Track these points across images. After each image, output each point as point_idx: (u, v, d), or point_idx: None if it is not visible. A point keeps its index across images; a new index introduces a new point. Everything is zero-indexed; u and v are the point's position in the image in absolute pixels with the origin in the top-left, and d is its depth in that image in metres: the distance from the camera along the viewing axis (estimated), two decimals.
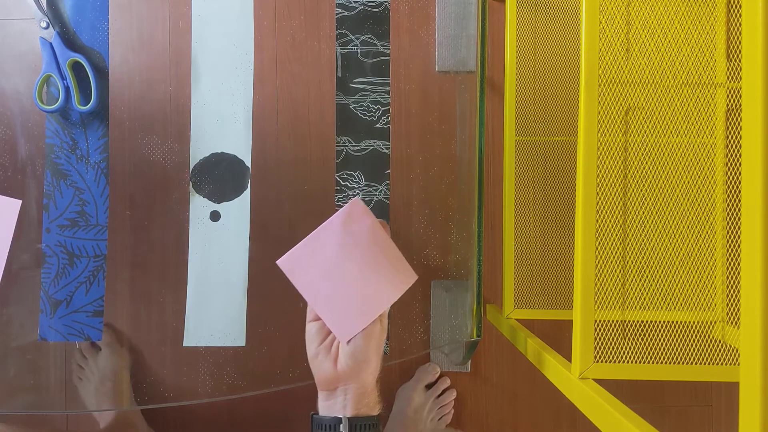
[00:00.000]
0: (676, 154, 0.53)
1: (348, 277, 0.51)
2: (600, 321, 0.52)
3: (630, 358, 0.52)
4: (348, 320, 0.51)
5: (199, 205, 0.67)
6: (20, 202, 0.64)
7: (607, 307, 0.52)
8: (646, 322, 0.53)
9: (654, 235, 0.53)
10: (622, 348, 0.52)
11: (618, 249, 0.52)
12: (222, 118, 0.67)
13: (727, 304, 0.54)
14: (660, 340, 0.52)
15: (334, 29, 0.71)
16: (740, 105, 0.34)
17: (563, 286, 0.78)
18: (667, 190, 0.53)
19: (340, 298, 0.51)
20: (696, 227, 0.53)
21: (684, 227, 0.53)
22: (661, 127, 0.53)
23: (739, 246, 0.50)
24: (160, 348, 0.83)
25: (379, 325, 0.52)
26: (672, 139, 0.53)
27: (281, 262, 0.51)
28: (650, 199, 0.53)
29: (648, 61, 0.52)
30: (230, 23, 0.67)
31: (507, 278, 0.77)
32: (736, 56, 0.53)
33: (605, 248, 0.52)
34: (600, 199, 0.51)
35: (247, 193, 0.67)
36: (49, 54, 0.66)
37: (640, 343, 0.52)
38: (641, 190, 0.53)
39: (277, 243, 0.71)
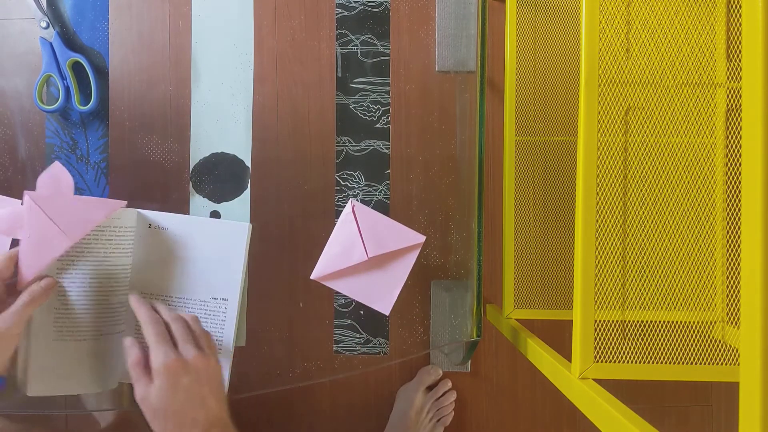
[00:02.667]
0: (676, 154, 0.53)
1: (370, 262, 0.60)
2: (600, 321, 0.52)
3: (630, 358, 0.52)
4: (382, 295, 0.61)
5: (199, 205, 0.67)
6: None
7: (607, 307, 0.52)
8: (646, 322, 0.53)
9: (654, 235, 0.53)
10: (622, 348, 0.52)
11: (618, 249, 0.52)
12: (222, 118, 0.67)
13: (727, 304, 0.54)
14: (660, 340, 0.52)
15: (334, 29, 0.71)
16: (740, 105, 0.34)
17: (563, 286, 0.78)
18: (667, 190, 0.53)
19: (369, 281, 0.61)
20: (696, 227, 0.53)
21: (684, 227, 0.53)
22: (661, 127, 0.53)
23: (739, 246, 0.50)
24: None
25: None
26: (672, 139, 0.53)
27: (314, 277, 0.60)
28: (650, 199, 0.53)
29: (648, 61, 0.52)
30: (230, 23, 0.67)
31: (507, 278, 0.77)
32: (736, 56, 0.53)
33: (605, 248, 0.52)
34: (600, 199, 0.51)
35: (247, 192, 0.67)
36: (49, 54, 0.66)
37: (640, 343, 0.52)
38: (641, 190, 0.53)
39: (277, 243, 0.71)
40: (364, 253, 0.60)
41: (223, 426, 0.50)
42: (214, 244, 0.59)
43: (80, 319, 0.56)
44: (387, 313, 0.59)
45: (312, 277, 0.60)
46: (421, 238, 0.60)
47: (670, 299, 0.53)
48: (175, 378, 0.48)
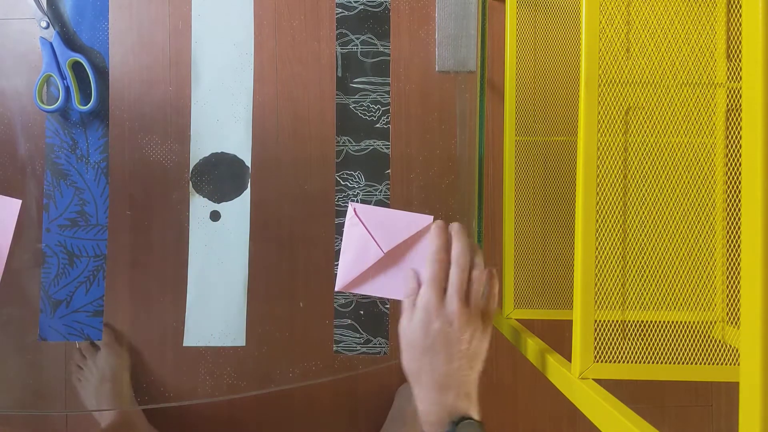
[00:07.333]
0: (676, 154, 0.53)
1: (387, 257, 0.60)
2: (600, 321, 0.52)
3: (630, 358, 0.52)
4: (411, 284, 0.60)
5: (199, 205, 0.67)
6: (20, 202, 0.64)
7: (607, 307, 0.52)
8: (646, 322, 0.53)
9: (654, 235, 0.53)
10: (622, 348, 0.52)
11: (618, 249, 0.52)
12: (222, 118, 0.67)
13: (727, 304, 0.54)
14: (660, 340, 0.52)
15: (334, 29, 0.71)
16: (740, 105, 0.34)
17: (563, 286, 0.78)
18: (667, 190, 0.53)
19: (393, 276, 0.60)
20: (696, 227, 0.53)
21: (684, 227, 0.53)
22: (661, 127, 0.53)
23: (739, 246, 0.50)
24: (160, 348, 0.83)
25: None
26: (672, 139, 0.53)
27: (338, 288, 0.60)
28: (650, 199, 0.53)
29: (648, 61, 0.52)
30: (230, 23, 0.67)
31: (507, 278, 0.77)
32: (736, 56, 0.53)
33: (605, 248, 0.52)
34: (600, 199, 0.51)
35: (247, 192, 0.67)
36: (49, 54, 0.66)
37: (640, 343, 0.52)
38: (641, 190, 0.53)
39: (277, 243, 0.71)
40: (379, 250, 0.60)
41: (463, 390, 0.53)
42: None
43: None
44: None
45: (336, 289, 0.59)
46: (429, 219, 0.60)
47: (670, 299, 0.53)
48: (428, 320, 0.51)
